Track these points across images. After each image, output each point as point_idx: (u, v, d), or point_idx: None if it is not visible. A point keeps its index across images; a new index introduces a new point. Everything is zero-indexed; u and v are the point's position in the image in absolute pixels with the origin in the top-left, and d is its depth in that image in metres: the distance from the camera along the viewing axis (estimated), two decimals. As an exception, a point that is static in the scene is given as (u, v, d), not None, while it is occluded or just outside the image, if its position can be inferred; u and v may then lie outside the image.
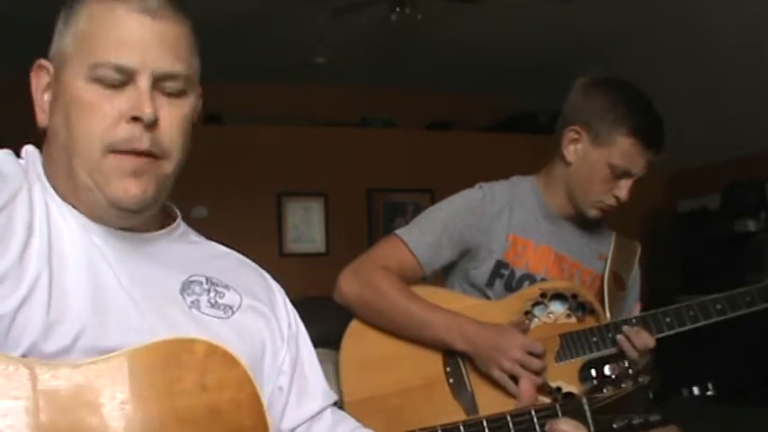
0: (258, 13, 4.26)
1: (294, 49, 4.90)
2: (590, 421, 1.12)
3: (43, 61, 0.96)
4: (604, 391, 1.14)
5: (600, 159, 1.65)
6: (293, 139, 5.16)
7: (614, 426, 1.13)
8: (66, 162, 0.92)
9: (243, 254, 1.15)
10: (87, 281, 0.90)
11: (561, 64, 4.67)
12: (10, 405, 0.76)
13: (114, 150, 0.90)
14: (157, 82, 0.92)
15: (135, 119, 0.90)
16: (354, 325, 1.66)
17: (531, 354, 1.55)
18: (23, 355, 0.82)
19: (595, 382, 1.16)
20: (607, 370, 1.19)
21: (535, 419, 1.10)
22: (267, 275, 1.14)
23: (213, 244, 1.12)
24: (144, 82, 0.90)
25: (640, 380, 1.16)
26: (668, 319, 1.62)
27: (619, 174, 1.64)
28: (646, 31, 4.45)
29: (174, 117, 0.94)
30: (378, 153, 5.29)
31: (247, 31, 4.43)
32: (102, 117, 0.90)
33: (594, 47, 4.60)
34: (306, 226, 5.29)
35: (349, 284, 1.65)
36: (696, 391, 1.22)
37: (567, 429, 1.09)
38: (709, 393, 1.22)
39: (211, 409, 0.85)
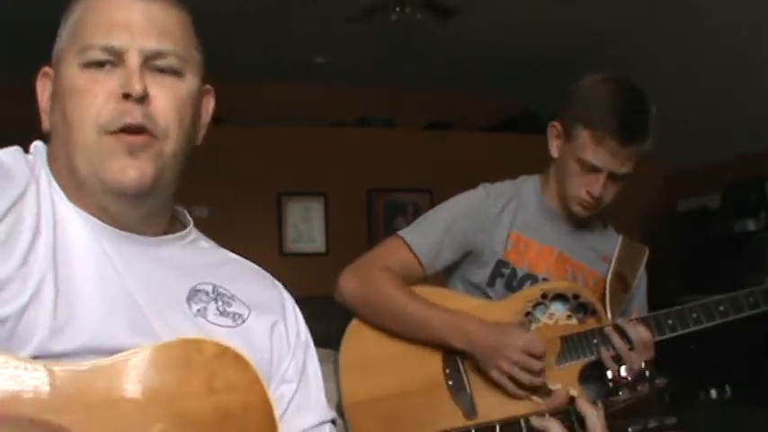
0: (258, 13, 4.25)
1: (294, 49, 4.90)
2: None
3: (47, 68, 0.97)
4: (620, 393, 1.13)
5: (569, 154, 1.64)
6: (293, 139, 5.15)
7: (629, 430, 1.12)
8: (67, 156, 0.92)
9: (246, 257, 1.14)
10: (94, 283, 0.89)
11: (561, 64, 4.66)
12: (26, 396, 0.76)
13: (108, 131, 0.89)
14: (148, 60, 0.91)
15: (126, 96, 0.89)
16: (354, 326, 1.65)
17: (530, 354, 1.54)
18: (32, 356, 0.81)
19: (611, 384, 1.15)
20: (623, 371, 1.17)
21: None
22: (279, 285, 1.12)
23: (223, 251, 1.11)
24: (133, 60, 0.90)
25: (657, 382, 1.14)
26: (670, 321, 1.60)
27: (587, 168, 1.61)
28: (646, 31, 4.45)
29: (167, 95, 0.92)
30: (378, 153, 5.29)
31: (247, 30, 4.42)
32: (92, 98, 0.89)
33: (594, 47, 4.59)
34: (306, 226, 5.28)
35: (350, 284, 1.64)
36: (714, 393, 1.19)
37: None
38: (727, 396, 1.19)
39: (220, 411, 0.84)
